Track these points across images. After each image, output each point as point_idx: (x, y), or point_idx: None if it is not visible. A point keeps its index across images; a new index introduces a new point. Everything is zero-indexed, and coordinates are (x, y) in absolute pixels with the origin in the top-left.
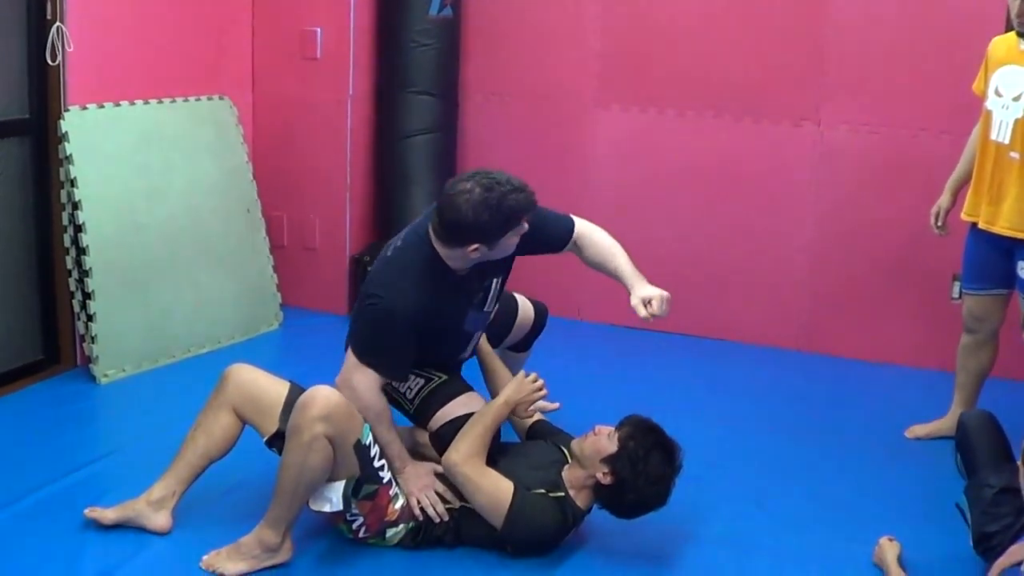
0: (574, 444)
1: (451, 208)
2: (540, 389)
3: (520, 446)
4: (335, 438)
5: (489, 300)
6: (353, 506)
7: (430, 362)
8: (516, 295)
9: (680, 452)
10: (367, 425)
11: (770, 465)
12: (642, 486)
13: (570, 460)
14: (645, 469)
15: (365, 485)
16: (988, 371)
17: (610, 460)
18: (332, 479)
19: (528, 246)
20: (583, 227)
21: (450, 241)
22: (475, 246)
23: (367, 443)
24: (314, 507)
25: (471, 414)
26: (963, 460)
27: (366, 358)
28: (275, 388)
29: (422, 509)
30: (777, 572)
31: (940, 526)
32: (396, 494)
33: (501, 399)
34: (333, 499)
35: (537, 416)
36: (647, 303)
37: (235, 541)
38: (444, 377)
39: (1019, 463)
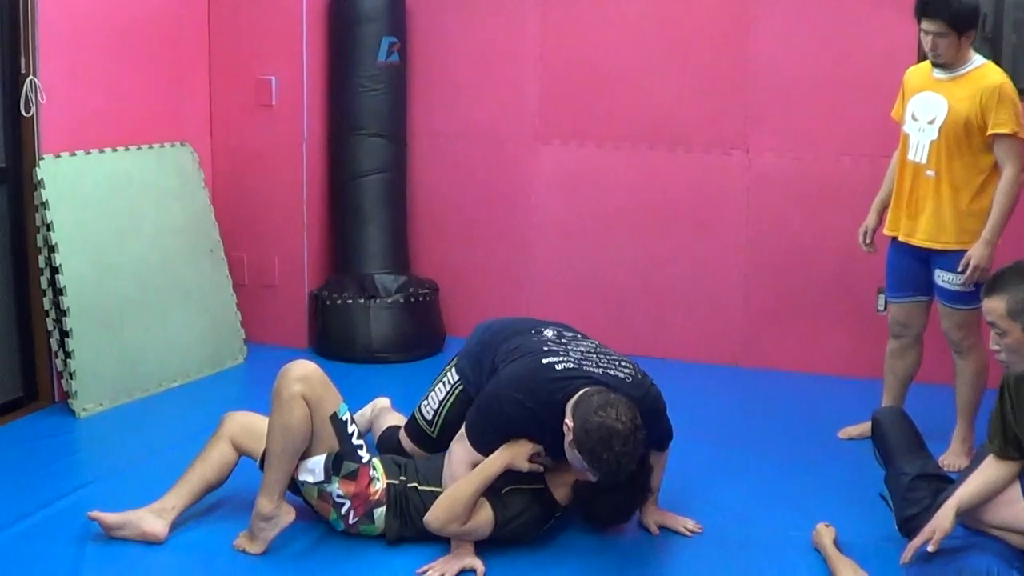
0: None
1: (602, 404)
2: (534, 450)
3: None
4: (311, 399)
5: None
6: (336, 484)
7: None
8: None
9: None
10: (344, 403)
11: (716, 468)
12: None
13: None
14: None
15: (345, 462)
16: (914, 374)
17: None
18: (314, 453)
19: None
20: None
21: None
22: (569, 435)
23: (344, 419)
24: (299, 477)
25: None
26: (879, 453)
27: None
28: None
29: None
30: (727, 558)
31: (871, 512)
32: (375, 476)
33: (498, 454)
34: (316, 470)
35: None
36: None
37: None
38: None
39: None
